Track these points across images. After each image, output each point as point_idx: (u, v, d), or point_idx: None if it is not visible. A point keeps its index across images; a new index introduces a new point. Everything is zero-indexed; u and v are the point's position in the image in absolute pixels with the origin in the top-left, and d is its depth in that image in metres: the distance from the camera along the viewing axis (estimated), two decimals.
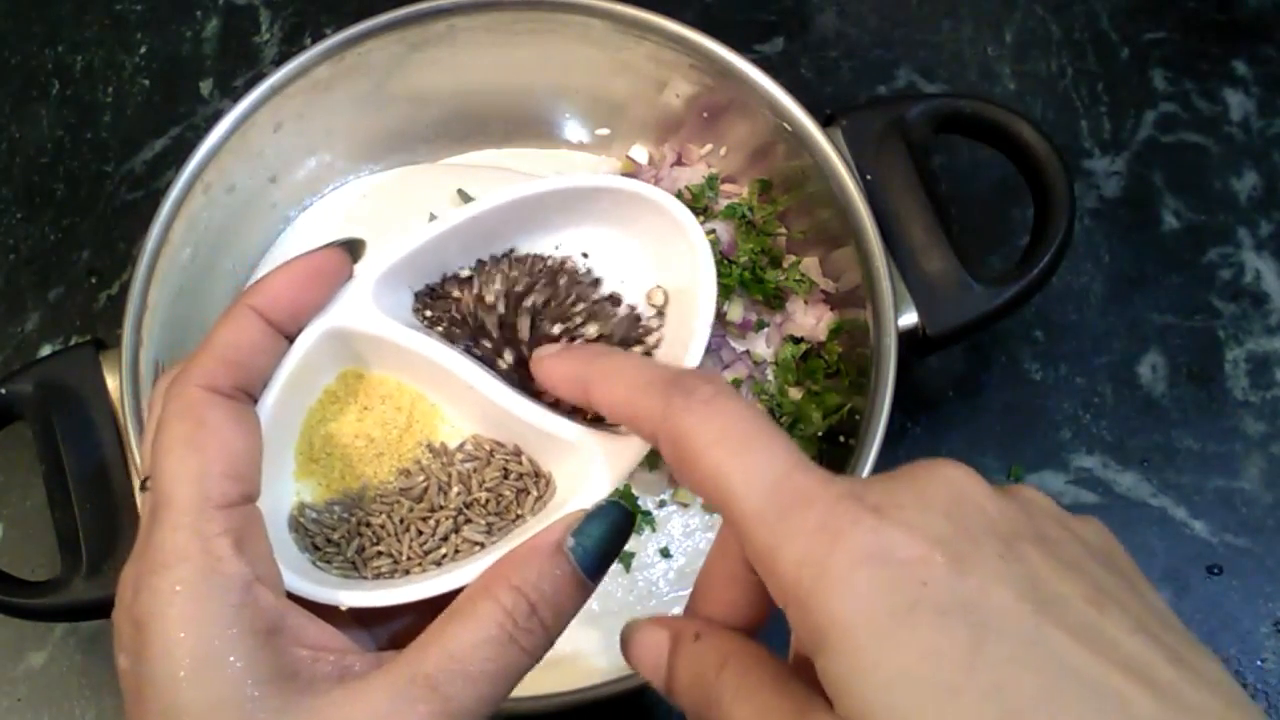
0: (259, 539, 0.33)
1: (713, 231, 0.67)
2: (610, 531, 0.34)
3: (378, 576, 0.37)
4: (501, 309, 0.40)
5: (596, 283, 0.41)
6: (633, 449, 0.37)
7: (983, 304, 0.59)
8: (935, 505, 0.29)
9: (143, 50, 0.79)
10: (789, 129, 0.62)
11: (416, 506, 0.38)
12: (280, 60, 0.70)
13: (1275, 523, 0.66)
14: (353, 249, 0.38)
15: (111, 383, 0.58)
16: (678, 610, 0.62)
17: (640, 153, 0.71)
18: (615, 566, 0.62)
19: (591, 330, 0.40)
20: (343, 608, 0.36)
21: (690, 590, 0.61)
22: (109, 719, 0.63)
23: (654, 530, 0.63)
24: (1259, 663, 0.63)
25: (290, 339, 0.36)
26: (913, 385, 0.69)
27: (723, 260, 0.66)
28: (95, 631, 0.64)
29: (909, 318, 0.58)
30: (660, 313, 0.41)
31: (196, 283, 0.62)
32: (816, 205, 0.63)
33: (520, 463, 0.38)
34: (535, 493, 0.38)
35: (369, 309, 0.38)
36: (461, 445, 0.39)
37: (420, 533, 0.37)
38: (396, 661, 0.32)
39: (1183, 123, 0.76)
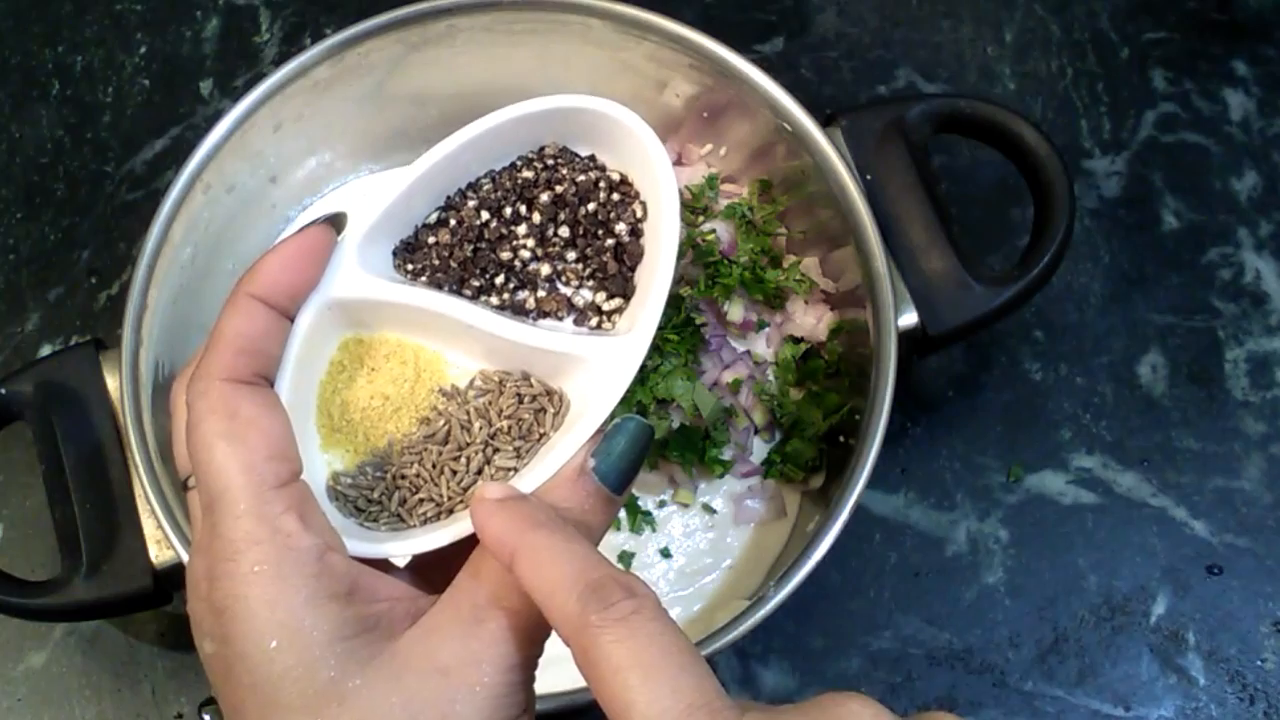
0: (317, 510, 0.35)
1: (713, 231, 0.67)
2: (627, 445, 0.36)
3: (425, 522, 0.38)
4: (469, 243, 0.41)
5: (584, 165, 0.42)
6: (636, 349, 0.38)
7: (983, 304, 0.59)
8: None
9: (143, 50, 0.79)
10: (789, 129, 0.62)
11: (444, 449, 0.39)
12: (280, 60, 0.70)
13: (1275, 523, 0.66)
14: (336, 222, 0.38)
15: (111, 383, 0.58)
16: (678, 610, 0.62)
17: None
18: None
19: (621, 227, 0.41)
20: (399, 560, 0.38)
21: (690, 590, 0.62)
22: (109, 719, 0.63)
23: (654, 530, 0.63)
24: (1259, 663, 0.63)
25: (291, 319, 0.38)
26: (913, 385, 0.69)
27: (723, 260, 0.65)
28: (95, 631, 0.64)
29: (909, 318, 0.58)
30: (635, 229, 0.41)
31: (196, 283, 0.62)
32: (816, 205, 0.63)
33: (531, 385, 0.39)
34: (552, 409, 0.39)
35: (356, 274, 0.39)
36: (471, 383, 0.40)
37: (454, 472, 0.38)
38: (458, 590, 0.34)
39: (1183, 123, 0.76)
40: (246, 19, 0.79)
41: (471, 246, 0.41)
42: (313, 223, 0.38)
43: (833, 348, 0.64)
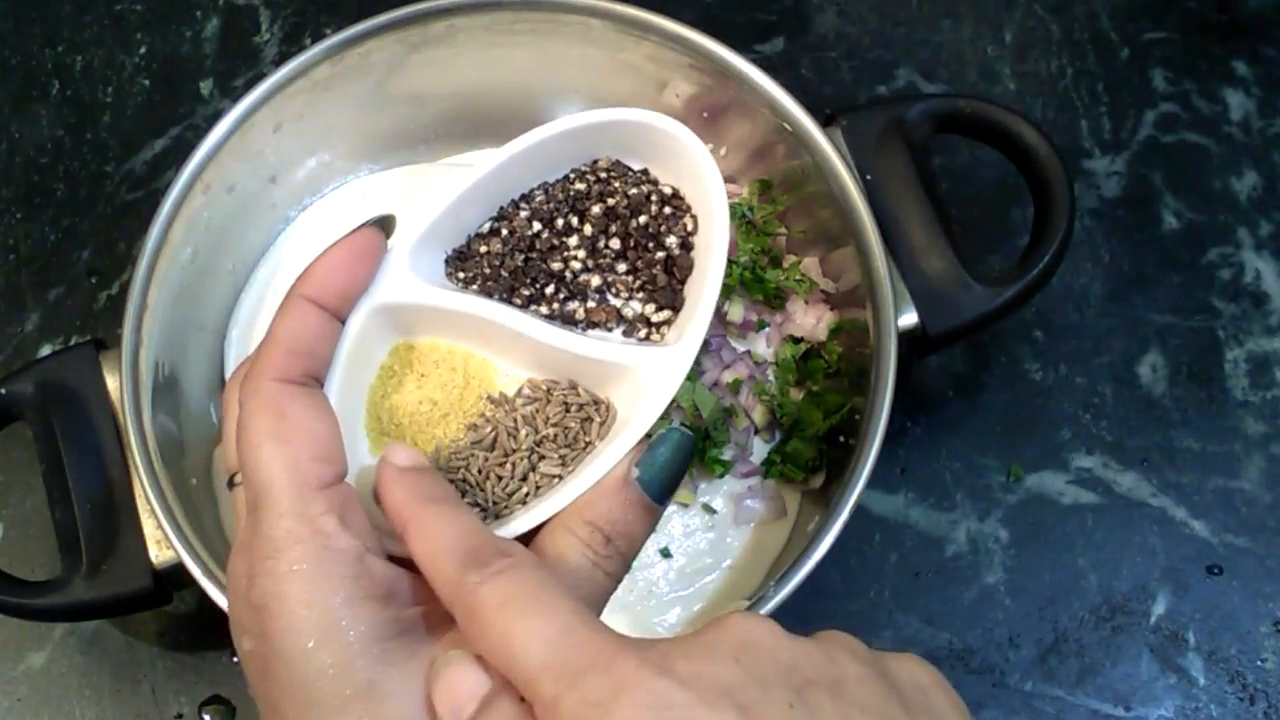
0: (358, 512, 0.35)
1: None
2: (671, 456, 0.36)
3: None
4: (520, 253, 0.41)
5: (637, 180, 0.42)
6: (682, 359, 0.38)
7: (983, 304, 0.59)
8: (724, 655, 0.30)
9: (143, 50, 0.79)
10: (789, 129, 0.62)
11: (491, 455, 0.39)
12: (280, 60, 0.70)
13: (1275, 523, 0.66)
14: (385, 225, 0.39)
15: (111, 383, 0.58)
16: (678, 610, 0.62)
17: None
18: None
19: (672, 240, 0.41)
20: None
21: (690, 590, 0.62)
22: (109, 719, 0.63)
23: (654, 530, 0.63)
24: (1259, 663, 0.63)
25: (342, 321, 0.38)
26: (913, 385, 0.69)
27: None
28: (95, 631, 0.64)
29: (909, 318, 0.58)
30: (686, 243, 0.41)
31: (196, 283, 0.62)
32: (816, 205, 0.63)
33: (578, 394, 0.40)
34: (599, 419, 0.39)
35: (407, 279, 0.39)
36: (519, 391, 0.40)
37: (500, 478, 0.39)
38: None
39: (1183, 123, 0.76)
40: (246, 19, 0.79)
41: (523, 256, 0.41)
42: (363, 225, 0.38)
43: (832, 348, 0.64)
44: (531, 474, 0.39)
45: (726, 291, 0.65)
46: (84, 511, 0.56)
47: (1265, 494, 0.67)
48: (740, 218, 0.67)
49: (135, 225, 0.73)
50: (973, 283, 0.59)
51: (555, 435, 0.39)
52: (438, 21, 0.63)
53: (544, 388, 0.40)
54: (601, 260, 0.41)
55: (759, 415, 0.65)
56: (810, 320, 0.65)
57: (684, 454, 0.37)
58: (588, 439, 0.39)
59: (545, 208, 0.41)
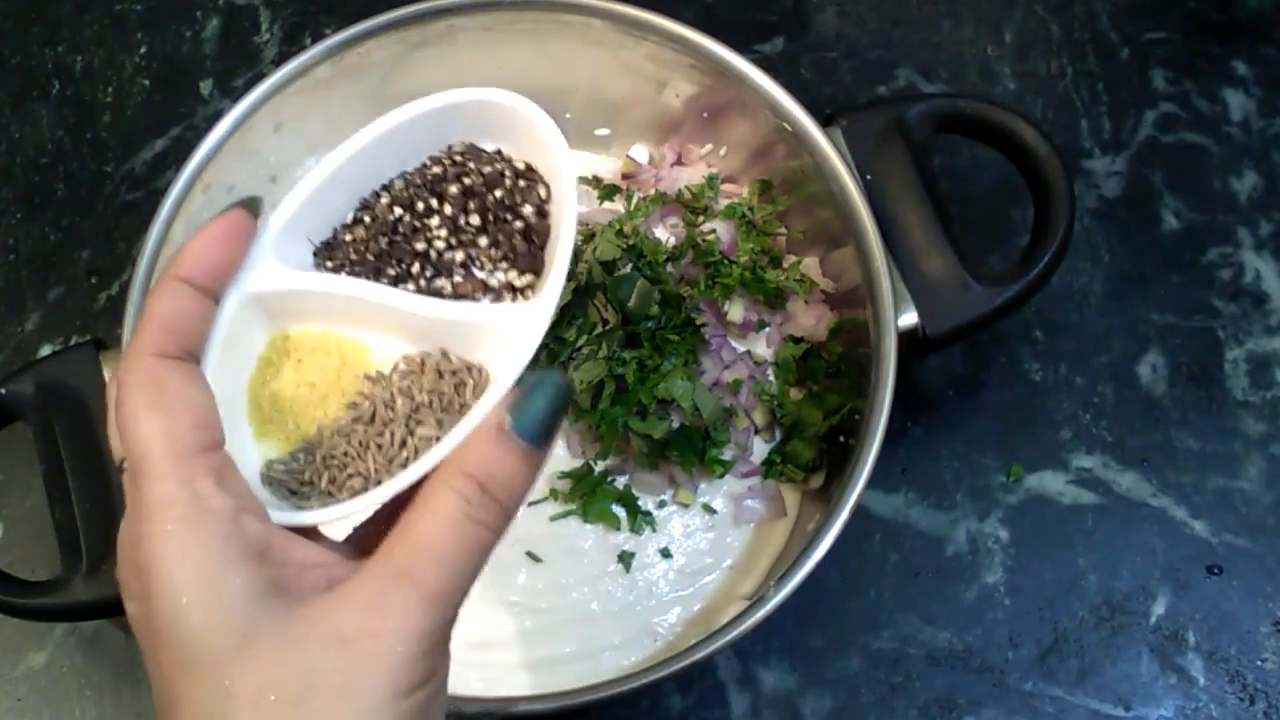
0: (236, 476, 0.36)
1: (713, 231, 0.67)
2: (543, 399, 0.36)
3: (353, 495, 0.39)
4: (383, 236, 0.42)
5: (490, 158, 0.43)
6: (543, 310, 0.39)
7: (983, 304, 0.59)
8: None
9: (143, 50, 0.79)
10: (789, 129, 0.62)
11: (370, 428, 0.40)
12: (280, 60, 0.70)
13: (1275, 523, 0.66)
14: (251, 206, 0.40)
15: None
16: (678, 610, 0.62)
17: (640, 152, 0.71)
18: (615, 566, 0.62)
19: (528, 209, 0.42)
20: (334, 533, 0.39)
21: (690, 590, 0.62)
22: (109, 719, 0.63)
23: (654, 530, 0.63)
24: (1259, 663, 0.63)
25: (216, 300, 0.39)
26: (913, 385, 0.69)
27: (723, 260, 0.66)
28: (95, 631, 0.64)
29: (909, 318, 0.58)
30: (541, 210, 0.43)
31: None
32: (816, 205, 0.63)
33: (450, 361, 0.41)
34: (472, 382, 0.40)
35: (274, 268, 0.40)
36: (395, 367, 0.41)
37: (379, 446, 0.40)
38: (373, 560, 0.35)
39: (1183, 123, 0.76)
40: (246, 19, 0.79)
41: (387, 240, 0.42)
42: (230, 207, 0.39)
43: (832, 348, 0.64)
44: (410, 439, 0.39)
45: (726, 291, 0.65)
46: (84, 511, 0.56)
47: (1265, 494, 0.67)
48: (740, 218, 0.67)
49: (135, 225, 0.73)
50: (973, 283, 0.59)
51: (430, 401, 0.40)
52: (438, 21, 0.63)
53: (418, 360, 0.41)
54: (463, 237, 0.42)
55: (759, 415, 0.65)
56: (810, 320, 0.65)
57: (557, 396, 0.36)
58: (463, 401, 0.40)
59: (405, 194, 0.43)
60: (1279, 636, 0.64)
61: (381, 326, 0.41)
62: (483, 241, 0.42)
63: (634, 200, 0.69)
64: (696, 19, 0.63)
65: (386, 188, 0.44)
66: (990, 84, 0.77)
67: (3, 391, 0.58)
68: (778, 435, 0.65)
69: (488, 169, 0.43)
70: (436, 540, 0.34)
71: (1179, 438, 0.68)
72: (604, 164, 0.72)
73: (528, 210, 0.42)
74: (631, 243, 0.65)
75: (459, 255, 0.42)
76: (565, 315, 0.63)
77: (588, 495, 0.63)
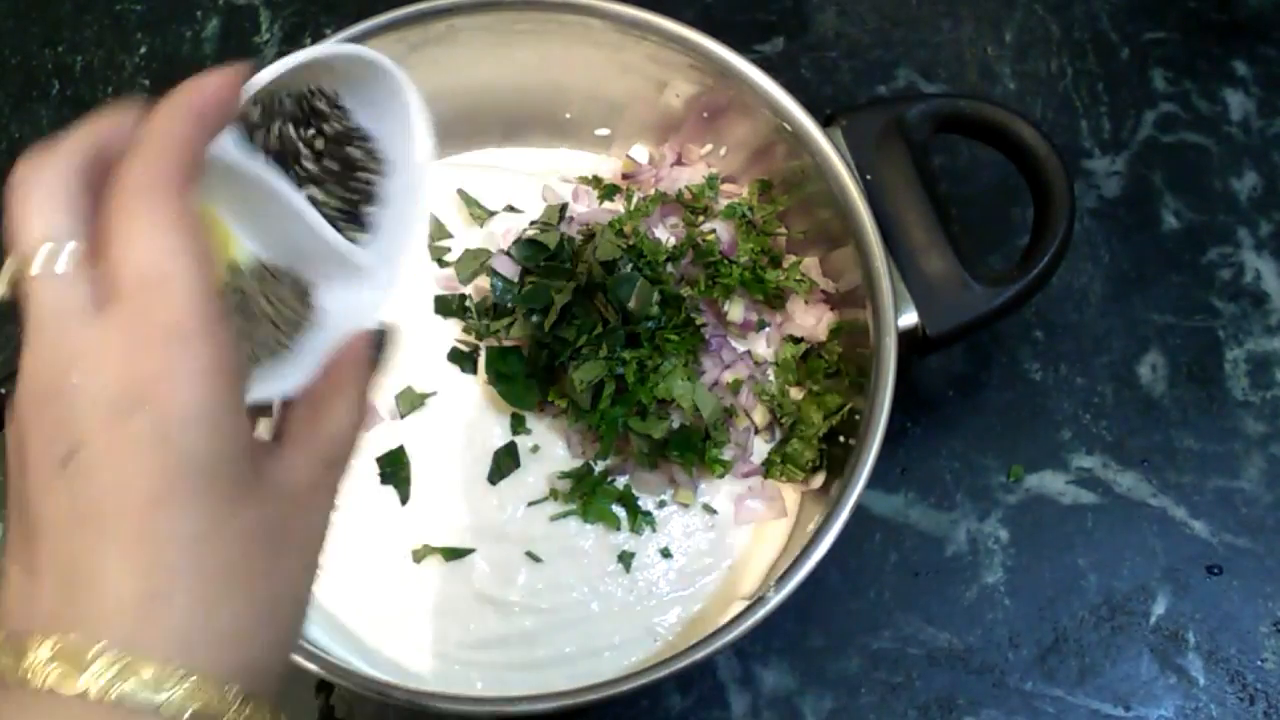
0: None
1: (713, 231, 0.67)
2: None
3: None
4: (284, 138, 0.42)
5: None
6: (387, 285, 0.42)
7: (983, 304, 0.59)
8: None
9: (143, 50, 0.79)
10: (789, 129, 0.62)
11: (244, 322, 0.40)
12: None
13: (1275, 522, 0.66)
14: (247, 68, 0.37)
15: None
16: (678, 610, 0.62)
17: (640, 152, 0.71)
18: (615, 566, 0.62)
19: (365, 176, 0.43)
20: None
21: (690, 590, 0.62)
22: None
23: (654, 530, 0.63)
24: (1259, 662, 0.63)
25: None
26: (913, 385, 0.69)
27: (723, 260, 0.66)
28: None
29: (909, 318, 0.58)
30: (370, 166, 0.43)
31: None
32: (816, 205, 0.63)
33: (298, 287, 0.42)
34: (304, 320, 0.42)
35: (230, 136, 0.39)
36: (253, 268, 0.41)
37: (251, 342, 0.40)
38: (300, 438, 0.36)
39: (1183, 123, 0.76)
40: (246, 19, 0.79)
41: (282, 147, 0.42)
42: (232, 63, 0.36)
43: (832, 348, 0.64)
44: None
45: (726, 291, 0.65)
46: None
47: (1265, 494, 0.67)
48: (740, 218, 0.67)
49: None
50: (973, 283, 0.59)
51: (275, 321, 0.41)
52: (438, 21, 0.63)
53: (272, 271, 0.41)
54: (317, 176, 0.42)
55: (759, 415, 0.65)
56: (810, 320, 0.65)
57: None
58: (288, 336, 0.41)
59: (296, 112, 0.42)
60: (1279, 636, 0.64)
61: (252, 221, 0.40)
62: (333, 189, 0.42)
63: (634, 200, 0.69)
64: (696, 19, 0.63)
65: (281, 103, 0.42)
66: (990, 84, 0.77)
67: (3, 391, 0.58)
68: (778, 435, 0.65)
69: (345, 125, 0.43)
70: (347, 434, 0.37)
71: (1179, 438, 0.68)
72: (604, 164, 0.72)
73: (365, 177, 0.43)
74: (631, 243, 0.65)
75: (314, 192, 0.42)
76: (565, 315, 0.63)
77: (588, 495, 0.63)
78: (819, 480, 0.64)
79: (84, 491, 0.31)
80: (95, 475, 0.31)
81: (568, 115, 0.71)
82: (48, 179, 0.33)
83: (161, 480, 0.31)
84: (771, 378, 0.66)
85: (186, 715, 0.30)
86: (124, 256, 0.31)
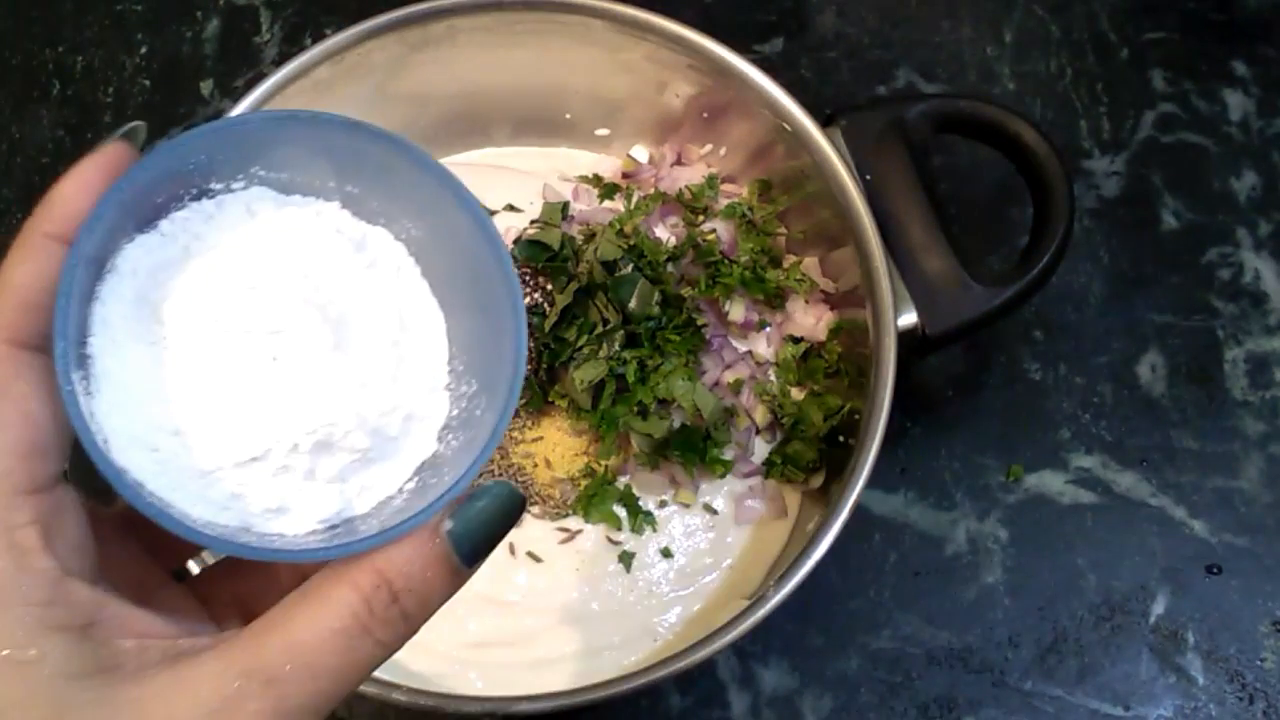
0: (69, 525, 0.29)
1: (713, 231, 0.67)
2: (495, 513, 0.31)
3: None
4: None
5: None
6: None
7: (982, 304, 0.59)
8: None
9: (143, 50, 0.79)
10: (789, 129, 0.62)
11: None
12: (280, 60, 0.69)
13: (1274, 522, 0.66)
14: (133, 136, 0.32)
15: None
16: (678, 610, 0.62)
17: (640, 152, 0.71)
18: (615, 566, 0.62)
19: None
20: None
21: (690, 589, 0.62)
22: None
23: (655, 530, 0.63)
24: (1259, 662, 0.63)
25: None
26: (913, 385, 0.69)
27: (723, 260, 0.66)
28: None
29: (909, 318, 0.58)
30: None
31: None
32: (816, 205, 0.63)
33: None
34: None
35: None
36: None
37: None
38: (235, 643, 0.29)
39: (1182, 123, 0.76)
40: (247, 19, 0.79)
41: None
42: (108, 139, 0.31)
43: (832, 348, 0.64)
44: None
45: (727, 291, 0.65)
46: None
47: (1265, 494, 0.67)
48: (740, 217, 0.67)
49: None
50: (972, 283, 0.59)
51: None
52: (438, 21, 0.63)
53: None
54: None
55: (760, 415, 0.65)
56: (810, 320, 0.65)
57: (507, 517, 0.31)
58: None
59: None
60: (1278, 636, 0.64)
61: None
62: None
63: (634, 199, 0.69)
64: (696, 19, 0.63)
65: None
66: (990, 84, 0.77)
67: None
68: (779, 435, 0.65)
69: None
70: (318, 648, 0.28)
71: (1178, 437, 0.68)
72: (604, 163, 0.72)
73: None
74: (632, 243, 0.65)
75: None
76: (566, 315, 0.63)
77: (588, 495, 0.63)
78: (819, 480, 0.64)
79: None
80: None
81: (568, 115, 0.71)
82: None
83: None
84: (773, 378, 0.66)
85: None
86: None
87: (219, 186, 0.32)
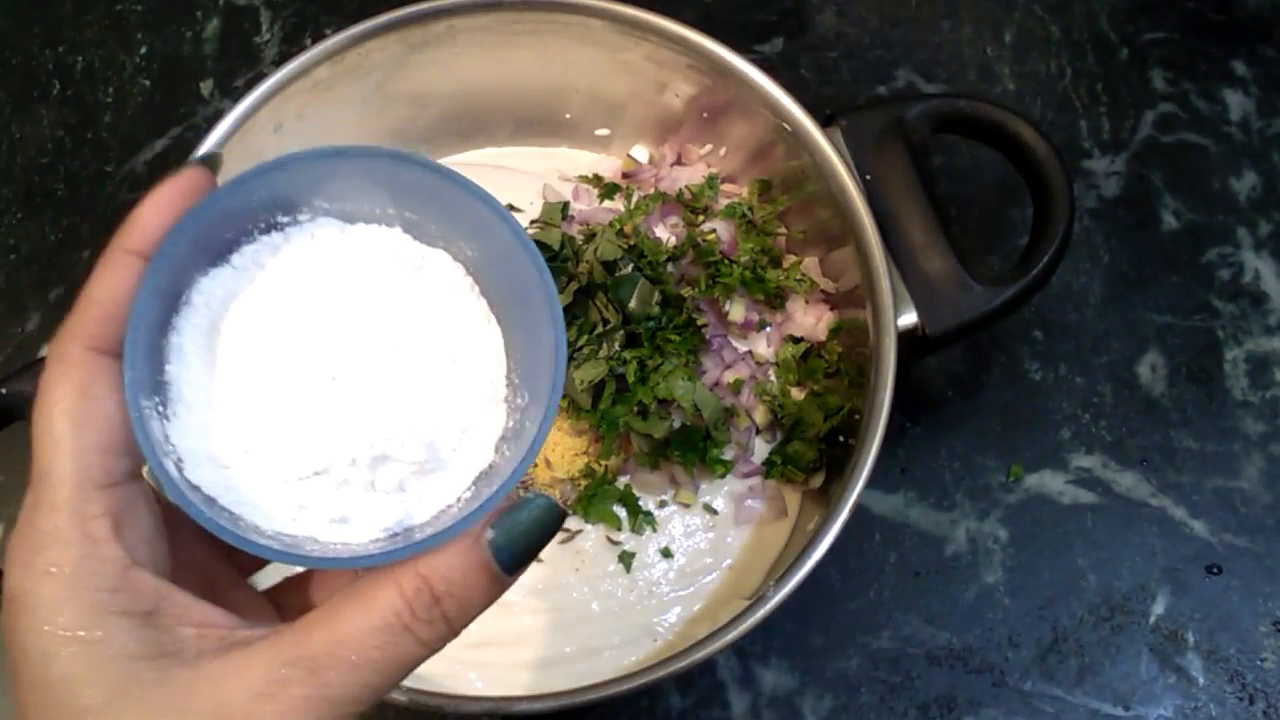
0: (139, 519, 0.32)
1: (713, 231, 0.67)
2: (534, 525, 0.32)
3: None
4: None
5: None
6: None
7: (982, 304, 0.59)
8: None
9: (143, 50, 0.79)
10: (789, 129, 0.62)
11: None
12: (280, 60, 0.70)
13: (1274, 522, 0.66)
14: (211, 163, 0.35)
15: None
16: (678, 610, 0.62)
17: (640, 152, 0.71)
18: (615, 566, 0.62)
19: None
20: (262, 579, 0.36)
21: (690, 589, 0.62)
22: None
23: (655, 530, 0.63)
24: (1259, 662, 0.63)
25: None
26: (913, 385, 0.69)
27: (723, 260, 0.66)
28: None
29: (909, 318, 0.58)
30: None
31: None
32: (816, 205, 0.63)
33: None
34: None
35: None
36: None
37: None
38: (283, 635, 0.31)
39: (1182, 123, 0.76)
40: (247, 19, 0.79)
41: None
42: (187, 163, 0.34)
43: (832, 348, 0.64)
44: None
45: (727, 291, 0.65)
46: None
47: (1265, 494, 0.67)
48: (740, 217, 0.67)
49: None
50: (972, 283, 0.59)
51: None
52: (438, 21, 0.63)
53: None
54: None
55: (760, 415, 0.65)
56: (810, 320, 0.65)
57: (546, 529, 0.32)
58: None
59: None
60: (1278, 636, 0.64)
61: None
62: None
63: (634, 199, 0.69)
64: (696, 19, 0.63)
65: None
66: (990, 84, 0.77)
67: (3, 391, 0.58)
68: (779, 435, 0.65)
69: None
70: (360, 643, 0.31)
71: (1178, 437, 0.68)
72: (604, 163, 0.72)
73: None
74: (632, 243, 0.65)
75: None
76: (566, 315, 0.63)
77: (588, 495, 0.63)
78: (819, 480, 0.64)
79: None
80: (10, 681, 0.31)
81: (568, 115, 0.71)
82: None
83: (18, 693, 0.30)
84: (773, 378, 0.66)
85: None
86: (33, 430, 0.32)
87: (285, 219, 0.35)
